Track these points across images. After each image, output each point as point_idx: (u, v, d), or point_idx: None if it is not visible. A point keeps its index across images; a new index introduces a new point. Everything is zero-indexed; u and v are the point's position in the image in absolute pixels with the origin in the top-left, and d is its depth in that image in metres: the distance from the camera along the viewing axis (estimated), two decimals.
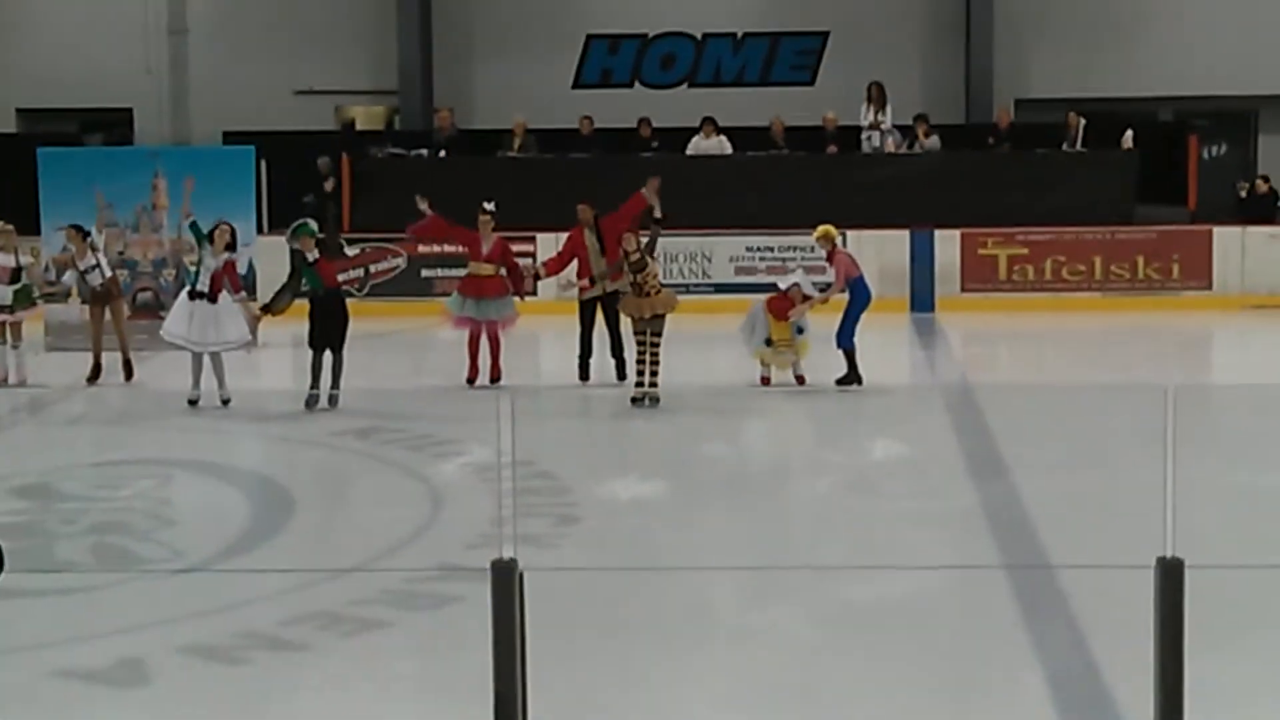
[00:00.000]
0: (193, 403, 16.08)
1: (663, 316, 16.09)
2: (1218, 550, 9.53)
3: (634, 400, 16.05)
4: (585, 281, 17.60)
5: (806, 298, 17.01)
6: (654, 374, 15.99)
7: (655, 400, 15.97)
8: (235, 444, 15.25)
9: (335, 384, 16.05)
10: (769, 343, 17.06)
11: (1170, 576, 4.86)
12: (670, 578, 10.36)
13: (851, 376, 16.85)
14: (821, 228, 17.29)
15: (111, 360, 17.93)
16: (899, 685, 8.41)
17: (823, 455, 14.96)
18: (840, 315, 16.93)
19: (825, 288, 17.32)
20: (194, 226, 16.62)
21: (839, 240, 17.47)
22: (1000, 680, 8.48)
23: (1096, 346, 21.63)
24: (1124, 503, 11.63)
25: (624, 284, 16.60)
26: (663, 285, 16.38)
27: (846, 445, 15.18)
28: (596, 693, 8.27)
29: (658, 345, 16.01)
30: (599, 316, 17.62)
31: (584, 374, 17.55)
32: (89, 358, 18.06)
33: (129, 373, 17.88)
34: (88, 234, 18.28)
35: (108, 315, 18.03)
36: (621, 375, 17.42)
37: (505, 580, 4.91)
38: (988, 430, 15.13)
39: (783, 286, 17.23)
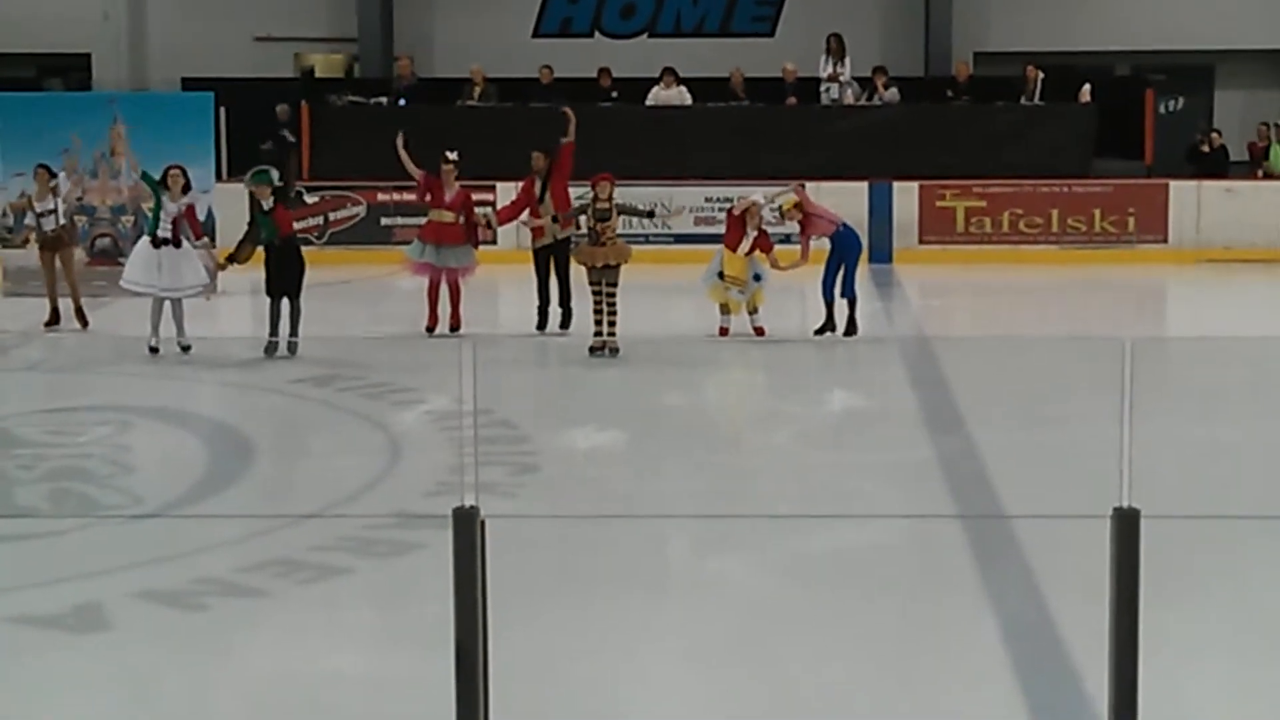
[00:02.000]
0: (153, 350, 16.02)
1: (616, 267, 16.09)
2: (1173, 501, 9.61)
3: (592, 350, 16.07)
4: (537, 222, 17.50)
5: (764, 225, 16.99)
6: (612, 324, 16.01)
7: (614, 350, 16.00)
8: (194, 391, 15.22)
9: (294, 331, 16.03)
10: (721, 276, 17.05)
11: (1126, 526, 4.91)
12: (628, 527, 10.40)
13: (851, 327, 16.84)
14: (786, 201, 17.19)
15: (68, 306, 17.84)
16: (854, 635, 8.47)
17: (780, 406, 14.99)
18: (825, 264, 16.86)
19: (788, 236, 17.34)
20: (145, 176, 16.55)
21: (803, 201, 17.29)
22: (955, 630, 8.54)
23: (1053, 299, 21.72)
24: (1080, 455, 11.70)
25: (573, 232, 16.75)
26: (619, 236, 16.39)
27: (804, 396, 15.22)
28: (555, 641, 8.31)
29: (614, 295, 16.02)
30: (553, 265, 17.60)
31: (542, 322, 17.53)
32: (46, 303, 17.97)
33: (83, 321, 17.79)
34: (55, 176, 18.21)
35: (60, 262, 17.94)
36: (566, 324, 17.44)
37: (467, 527, 4.93)
38: (944, 382, 15.19)
39: (740, 207, 17.14)
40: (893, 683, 7.85)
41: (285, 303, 16.13)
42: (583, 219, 16.56)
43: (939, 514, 10.60)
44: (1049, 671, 7.91)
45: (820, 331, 16.96)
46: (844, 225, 17.14)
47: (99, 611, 8.82)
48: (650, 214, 17.03)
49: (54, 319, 17.88)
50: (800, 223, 17.16)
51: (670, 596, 9.27)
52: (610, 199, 16.25)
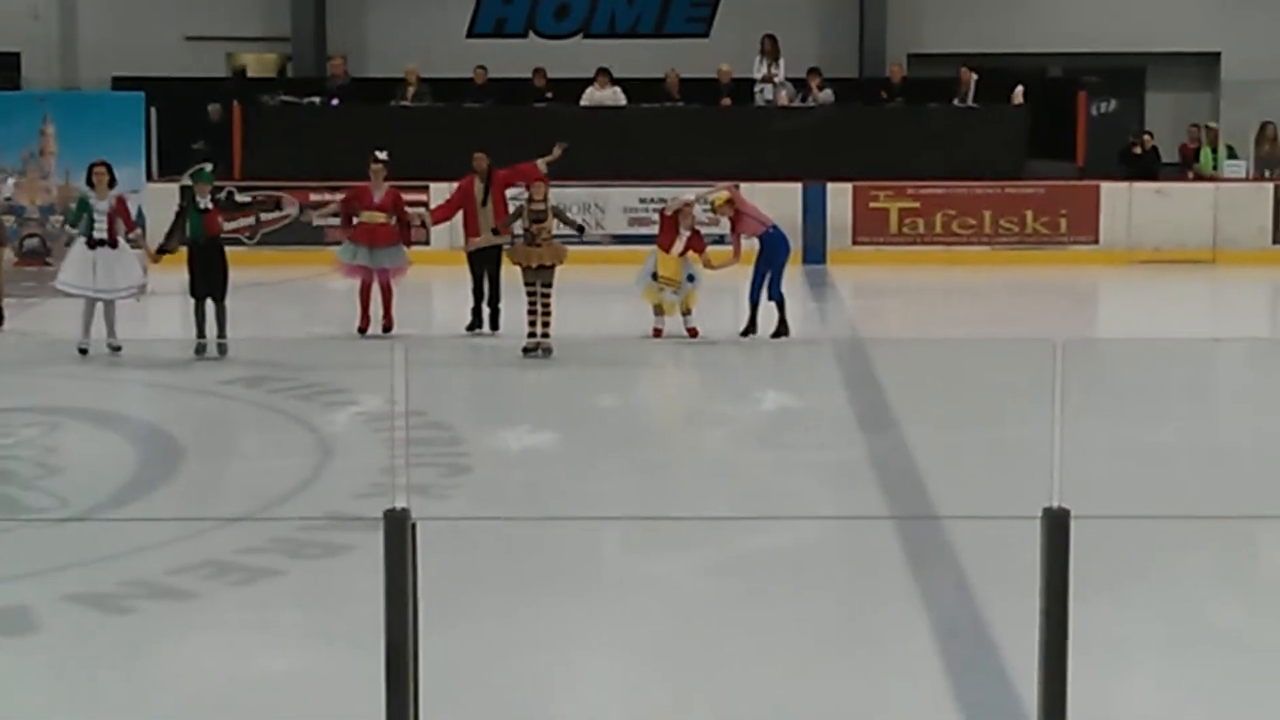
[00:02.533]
0: (83, 351, 15.88)
1: (551, 268, 16.08)
2: (1103, 502, 9.65)
3: (525, 350, 16.04)
4: (477, 242, 17.48)
5: (696, 225, 17.03)
6: (545, 325, 15.99)
7: (548, 351, 15.97)
8: (123, 392, 15.11)
9: (221, 333, 15.94)
10: (655, 277, 17.06)
11: (1056, 526, 4.93)
12: (561, 528, 10.37)
13: (781, 329, 16.87)
14: (717, 196, 17.23)
15: None
16: (787, 635, 8.48)
17: (713, 407, 15.00)
18: (753, 267, 16.93)
19: (722, 237, 17.36)
20: (81, 203, 16.26)
21: (735, 198, 17.33)
22: (887, 630, 8.57)
23: (986, 300, 21.84)
24: (1011, 456, 11.74)
25: (506, 239, 16.78)
26: (554, 237, 16.38)
27: (737, 397, 15.23)
28: (487, 642, 8.28)
29: (549, 296, 16.01)
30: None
31: (476, 323, 17.48)
32: None
33: None
34: None
35: None
36: (496, 325, 17.41)
37: (397, 530, 4.90)
38: (877, 383, 15.24)
39: (672, 208, 17.18)
40: (826, 682, 7.85)
41: (210, 304, 16.02)
42: (517, 223, 16.55)
43: (870, 515, 10.62)
44: (980, 671, 7.94)
45: (745, 333, 17.00)
46: (773, 227, 17.19)
47: (27, 614, 8.74)
48: (580, 230, 16.95)
49: None
50: (731, 220, 17.22)
51: (603, 597, 9.25)
52: (545, 199, 16.24)
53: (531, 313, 16.06)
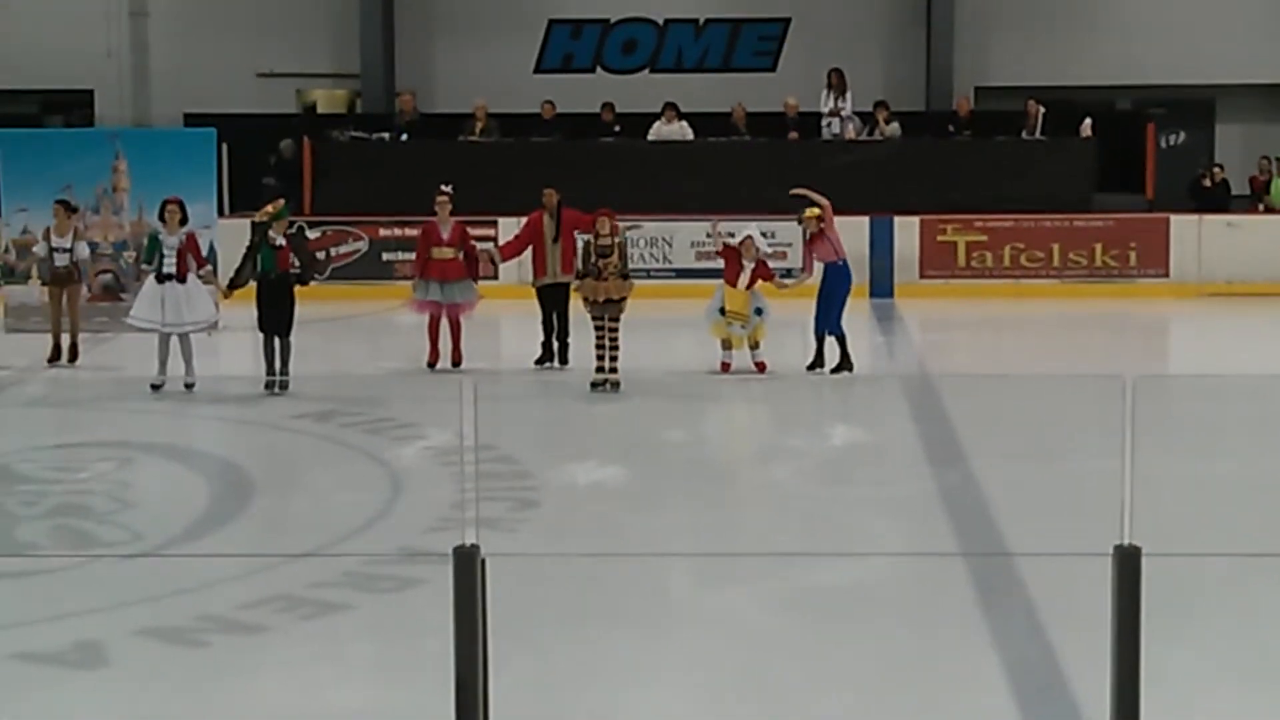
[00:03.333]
0: (156, 387, 15.98)
1: (619, 302, 16.13)
2: (1174, 539, 9.60)
3: (594, 385, 16.07)
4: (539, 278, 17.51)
5: (760, 256, 17.01)
6: (614, 359, 16.03)
7: (615, 385, 16.00)
8: (195, 427, 15.22)
9: (285, 369, 16.02)
10: (723, 312, 17.05)
11: (1127, 564, 4.90)
12: (629, 563, 10.38)
13: (844, 364, 16.85)
14: (811, 210, 17.27)
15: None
16: (856, 671, 8.45)
17: (781, 441, 14.98)
18: (816, 300, 16.93)
19: (789, 270, 17.34)
20: (152, 239, 16.42)
21: (827, 216, 17.32)
22: (957, 667, 8.52)
23: (1054, 334, 21.72)
24: (1081, 491, 11.69)
25: (570, 276, 16.86)
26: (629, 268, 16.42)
27: (805, 432, 15.20)
28: (555, 678, 8.30)
29: (616, 330, 16.06)
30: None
31: (545, 357, 17.52)
32: (48, 339, 17.99)
33: (74, 355, 17.82)
34: (75, 211, 18.28)
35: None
36: (564, 360, 17.46)
37: (467, 566, 4.93)
38: (945, 417, 15.18)
39: (735, 240, 17.23)
40: (893, 716, 7.82)
41: (276, 340, 16.11)
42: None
43: (940, 551, 10.58)
44: (1051, 708, 7.89)
45: (811, 368, 16.99)
46: (843, 260, 17.18)
47: (99, 648, 8.81)
48: (627, 275, 16.68)
49: (56, 355, 17.90)
50: (812, 236, 17.19)
51: (670, 632, 9.25)
52: (611, 234, 16.28)
53: (599, 347, 16.10)
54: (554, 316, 17.53)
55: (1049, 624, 8.96)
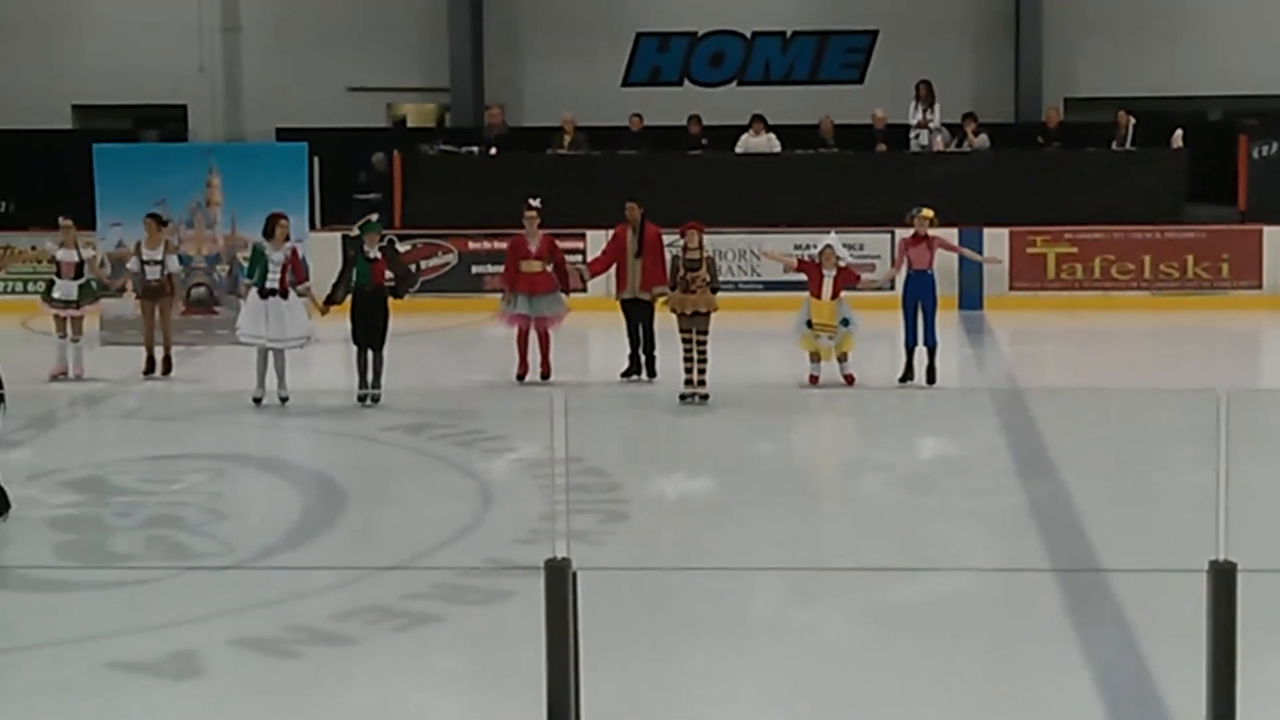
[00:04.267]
0: (257, 401, 16.09)
1: (706, 314, 16.14)
2: (1269, 554, 9.51)
3: (682, 397, 16.08)
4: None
5: (840, 262, 16.98)
6: (702, 371, 16.04)
7: (704, 398, 16.02)
8: (287, 439, 15.34)
9: (377, 382, 16.12)
10: (810, 324, 17.01)
11: (1223, 580, 4.86)
12: (717, 577, 10.38)
13: (929, 376, 16.87)
14: (926, 211, 17.28)
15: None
16: (944, 687, 8.43)
17: (870, 454, 14.95)
18: (902, 311, 16.90)
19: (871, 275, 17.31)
20: (255, 251, 16.55)
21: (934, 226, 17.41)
22: (1048, 682, 8.48)
23: (1145, 346, 21.56)
24: (1173, 506, 11.61)
25: (649, 293, 16.96)
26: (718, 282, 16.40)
27: (893, 444, 15.16)
28: (644, 691, 8.32)
29: (704, 343, 16.08)
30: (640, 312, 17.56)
31: (633, 369, 17.54)
32: (142, 352, 18.17)
33: (167, 368, 17.99)
34: (165, 224, 18.47)
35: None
36: (651, 372, 17.44)
37: (559, 579, 4.95)
38: (1036, 430, 15.09)
39: (815, 250, 17.23)
40: None
41: (370, 353, 16.21)
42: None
43: (1030, 567, 10.52)
44: None
45: (903, 380, 16.94)
46: (932, 270, 17.12)
47: (193, 658, 8.91)
48: (715, 289, 16.47)
49: (150, 368, 18.09)
50: (915, 238, 17.14)
51: (758, 646, 9.25)
52: (700, 247, 16.28)
53: (687, 359, 16.11)
54: (639, 330, 17.55)
55: (1142, 639, 8.90)
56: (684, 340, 16.17)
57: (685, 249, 16.35)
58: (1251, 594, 5.18)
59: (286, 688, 8.65)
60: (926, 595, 9.95)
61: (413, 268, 23.57)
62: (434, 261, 24.24)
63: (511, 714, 7.61)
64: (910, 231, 17.49)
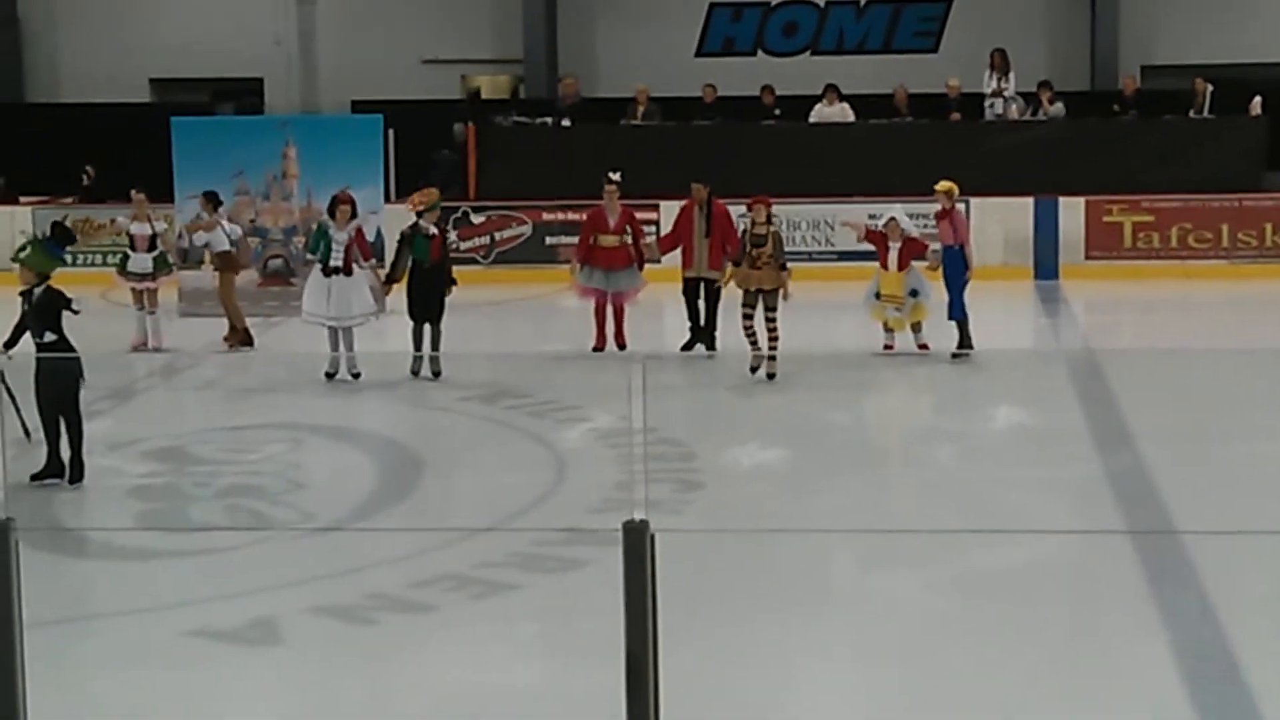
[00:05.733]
0: (330, 375, 16.12)
1: (774, 291, 15.85)
2: None
3: (752, 369, 15.95)
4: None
5: (906, 235, 16.88)
6: (773, 347, 15.82)
7: (771, 376, 15.77)
8: (363, 409, 15.42)
9: (436, 358, 16.09)
10: (878, 296, 16.94)
11: None
12: (792, 545, 10.40)
13: (963, 344, 16.73)
14: (945, 183, 17.18)
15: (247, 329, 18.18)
16: (1021, 654, 8.42)
17: (944, 423, 14.91)
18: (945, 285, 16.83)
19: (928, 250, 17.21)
20: (319, 228, 16.59)
21: (956, 203, 17.23)
22: (1126, 648, 8.46)
23: (1223, 315, 21.38)
24: (1255, 472, 11.54)
25: (717, 272, 16.77)
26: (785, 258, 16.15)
27: (968, 413, 15.12)
28: (721, 657, 8.35)
29: (774, 320, 15.85)
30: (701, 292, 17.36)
31: (689, 344, 17.29)
32: (221, 323, 18.28)
33: (246, 339, 18.07)
34: (220, 204, 18.57)
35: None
36: (711, 347, 17.16)
37: (637, 541, 4.98)
38: (1113, 398, 15.00)
39: (880, 223, 17.15)
40: (1061, 701, 7.79)
41: (428, 327, 16.23)
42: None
43: (1106, 530, 10.49)
44: (1223, 692, 7.81)
45: (956, 355, 16.75)
46: (960, 245, 16.96)
47: (273, 625, 9.00)
48: (784, 267, 15.94)
49: (235, 336, 18.18)
50: (939, 213, 17.11)
51: (835, 611, 9.28)
52: (768, 222, 16.07)
53: (750, 334, 15.89)
54: (698, 308, 17.29)
55: (1221, 606, 8.86)
56: (745, 315, 15.94)
57: (752, 224, 16.10)
58: None
59: (365, 655, 8.73)
60: (1003, 563, 9.94)
61: (483, 240, 23.61)
62: (508, 233, 24.29)
63: (589, 682, 7.65)
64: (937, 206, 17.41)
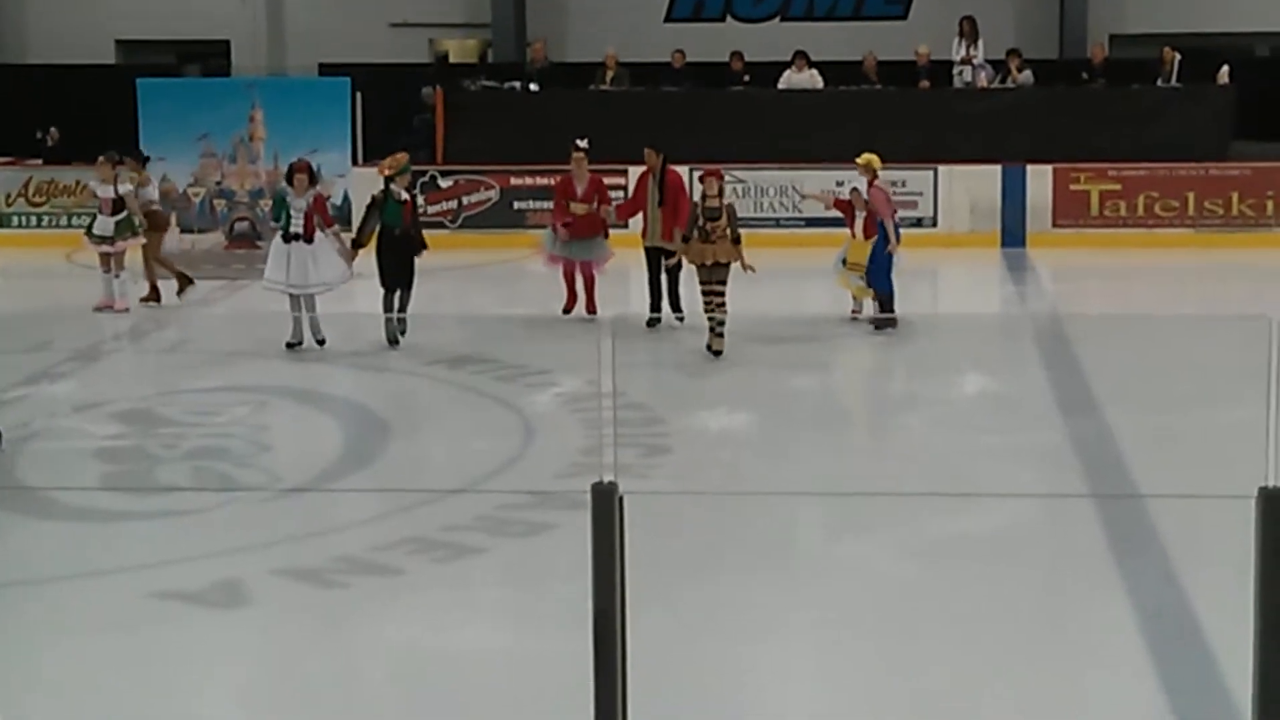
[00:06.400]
0: (291, 345, 15.91)
1: (726, 265, 15.50)
2: None
3: (714, 352, 15.49)
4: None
5: (867, 204, 16.74)
6: (721, 324, 15.37)
7: (718, 353, 15.33)
8: (329, 373, 15.37)
9: (403, 323, 15.96)
10: (845, 263, 16.89)
11: (1272, 506, 4.84)
12: (760, 510, 10.40)
13: (887, 320, 16.55)
14: (866, 155, 17.06)
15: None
16: (986, 616, 8.45)
17: (911, 388, 14.94)
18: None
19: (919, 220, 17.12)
20: (277, 196, 16.50)
21: (878, 174, 16.98)
22: (1088, 614, 8.49)
23: (1190, 283, 21.46)
24: (1221, 439, 11.58)
25: (671, 242, 16.31)
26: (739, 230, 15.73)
27: (935, 379, 15.13)
28: (687, 622, 8.35)
29: (723, 295, 15.48)
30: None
31: (654, 321, 16.91)
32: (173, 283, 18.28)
33: (155, 294, 18.17)
34: (147, 160, 18.49)
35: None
36: (677, 310, 16.83)
37: (605, 504, 4.97)
38: (1078, 364, 15.04)
39: (846, 193, 17.08)
40: (1026, 665, 7.82)
41: (398, 294, 16.11)
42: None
43: (1072, 494, 10.52)
44: (1187, 656, 7.85)
45: (880, 326, 16.58)
46: (880, 220, 16.78)
47: (238, 587, 8.98)
48: (736, 239, 15.56)
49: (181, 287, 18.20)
50: (868, 183, 16.83)
51: (802, 574, 9.29)
52: (720, 195, 15.71)
53: (708, 308, 15.56)
54: (660, 279, 16.97)
55: (1184, 571, 8.91)
56: (704, 292, 15.64)
57: (704, 198, 15.74)
58: None
59: (331, 618, 8.72)
60: (968, 527, 9.96)
61: (451, 205, 23.55)
62: (476, 197, 24.24)
63: (556, 645, 7.65)
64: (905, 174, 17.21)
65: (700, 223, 15.61)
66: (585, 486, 5.11)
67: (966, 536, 9.76)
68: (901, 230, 17.21)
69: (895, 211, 16.98)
